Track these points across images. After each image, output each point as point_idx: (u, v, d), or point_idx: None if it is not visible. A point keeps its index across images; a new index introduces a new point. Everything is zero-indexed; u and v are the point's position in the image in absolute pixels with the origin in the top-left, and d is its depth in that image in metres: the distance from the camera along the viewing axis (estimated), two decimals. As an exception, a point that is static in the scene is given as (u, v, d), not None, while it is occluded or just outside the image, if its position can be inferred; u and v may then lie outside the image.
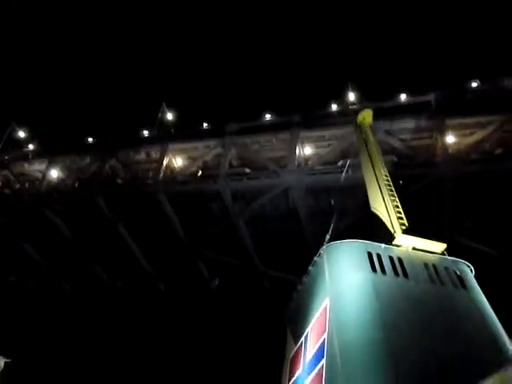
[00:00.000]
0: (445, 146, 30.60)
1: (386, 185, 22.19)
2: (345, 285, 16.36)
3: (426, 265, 17.13)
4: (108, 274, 42.49)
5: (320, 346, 15.37)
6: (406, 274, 16.37)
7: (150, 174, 37.95)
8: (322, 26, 59.57)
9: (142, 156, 39.65)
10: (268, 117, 36.98)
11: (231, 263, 37.19)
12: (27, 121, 45.64)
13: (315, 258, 19.17)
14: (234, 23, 60.71)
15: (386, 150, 29.82)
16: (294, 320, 20.35)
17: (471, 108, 31.12)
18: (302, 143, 34.84)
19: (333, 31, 57.49)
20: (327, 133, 34.46)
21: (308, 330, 17.57)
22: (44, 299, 44.01)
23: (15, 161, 43.03)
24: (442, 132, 31.07)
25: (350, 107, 34.70)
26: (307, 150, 35.13)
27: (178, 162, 38.56)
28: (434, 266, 17.17)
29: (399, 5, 53.89)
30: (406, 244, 18.42)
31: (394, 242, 18.52)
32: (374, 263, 16.58)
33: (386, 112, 32.01)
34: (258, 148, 35.97)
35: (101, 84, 59.55)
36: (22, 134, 44.30)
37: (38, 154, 42.76)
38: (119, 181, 39.32)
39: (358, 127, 30.05)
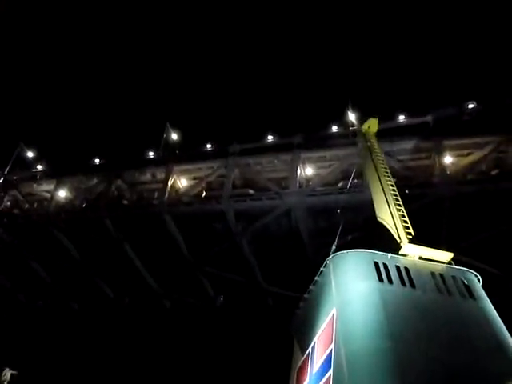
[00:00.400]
0: (443, 167, 31.10)
1: (391, 194, 21.97)
2: (351, 295, 16.31)
3: (432, 274, 16.93)
4: (114, 293, 42.44)
5: (327, 357, 15.32)
6: (412, 284, 16.24)
7: (156, 194, 38.33)
8: (323, 48, 60.96)
9: (147, 177, 40.05)
10: (270, 138, 37.54)
11: (235, 280, 37.31)
12: (35, 141, 46.11)
13: (322, 268, 19.15)
14: (236, 45, 62.20)
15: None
16: (300, 330, 20.26)
17: (468, 129, 31.80)
18: (304, 164, 35.31)
19: (333, 53, 59.03)
20: (328, 153, 34.99)
21: (315, 340, 17.47)
22: (52, 316, 43.77)
23: (24, 181, 43.28)
24: (440, 152, 31.63)
25: (351, 128, 35.35)
26: (308, 171, 35.56)
27: (183, 182, 38.98)
28: (441, 275, 16.97)
29: (397, 28, 55.58)
30: (413, 253, 18.26)
31: (400, 252, 18.44)
32: (381, 273, 16.52)
33: (386, 133, 32.38)
34: (260, 169, 36.48)
35: (107, 106, 60.76)
36: (30, 155, 44.53)
37: (46, 175, 43.12)
38: (125, 201, 39.65)
39: (363, 136, 30.05)
